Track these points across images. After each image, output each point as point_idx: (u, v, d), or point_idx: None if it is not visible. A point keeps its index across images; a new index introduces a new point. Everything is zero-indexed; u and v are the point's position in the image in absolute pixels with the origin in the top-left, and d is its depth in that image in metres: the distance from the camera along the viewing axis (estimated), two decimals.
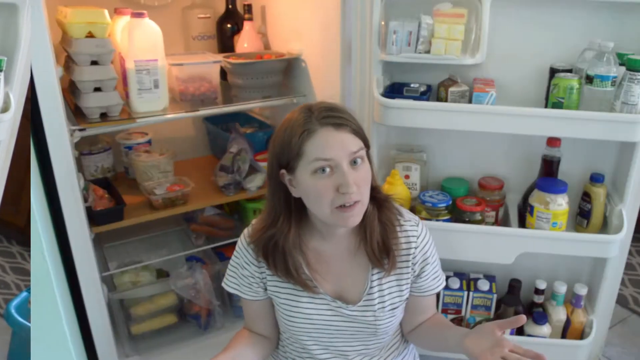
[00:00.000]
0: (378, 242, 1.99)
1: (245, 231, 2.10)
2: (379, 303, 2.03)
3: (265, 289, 2.10)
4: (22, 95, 2.20)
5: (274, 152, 1.92)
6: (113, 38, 2.82)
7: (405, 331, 2.29)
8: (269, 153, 1.95)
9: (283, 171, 1.89)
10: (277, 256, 1.98)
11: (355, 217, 1.86)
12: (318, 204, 1.86)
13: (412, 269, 2.06)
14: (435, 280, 2.15)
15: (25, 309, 2.99)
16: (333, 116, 1.81)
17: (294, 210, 1.96)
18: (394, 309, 2.07)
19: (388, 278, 2.05)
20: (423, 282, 2.11)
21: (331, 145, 1.79)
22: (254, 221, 2.11)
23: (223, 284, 2.19)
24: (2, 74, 2.06)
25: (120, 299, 3.15)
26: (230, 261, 2.15)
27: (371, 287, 2.03)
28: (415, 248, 2.05)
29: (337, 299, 2.04)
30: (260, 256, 2.02)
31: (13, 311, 2.92)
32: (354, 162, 1.82)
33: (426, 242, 2.09)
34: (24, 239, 4.69)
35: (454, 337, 2.03)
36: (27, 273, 4.41)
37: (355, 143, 1.81)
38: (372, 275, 2.03)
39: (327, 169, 1.80)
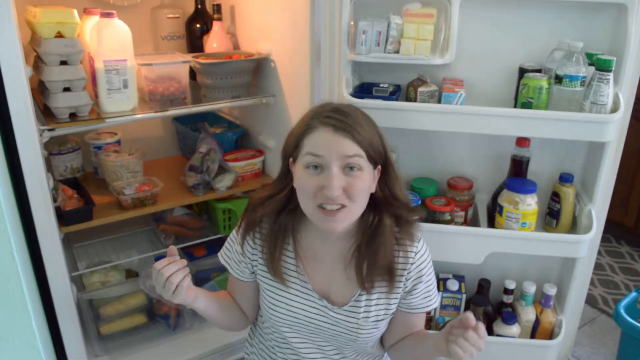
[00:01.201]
0: (373, 256, 1.98)
1: None
2: (364, 312, 2.03)
3: (253, 272, 2.13)
4: None
5: (285, 141, 1.97)
6: (82, 38, 2.80)
7: (387, 345, 2.28)
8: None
9: (290, 159, 1.94)
10: (270, 240, 2.03)
11: (338, 222, 1.87)
12: (304, 198, 1.90)
13: (405, 284, 2.05)
14: (425, 300, 2.13)
15: None
16: (336, 118, 1.82)
17: (292, 200, 2.00)
18: (378, 321, 2.07)
19: (379, 290, 2.04)
20: (413, 299, 2.09)
21: (325, 144, 1.81)
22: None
23: (218, 254, 2.24)
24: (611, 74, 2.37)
25: (90, 299, 3.13)
26: (231, 234, 2.20)
27: (360, 295, 2.03)
28: (412, 264, 2.04)
29: (324, 298, 2.04)
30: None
31: None
32: (349, 168, 1.83)
33: (424, 260, 2.07)
34: None
35: (431, 339, 2.04)
36: None
37: (351, 148, 1.82)
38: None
39: (318, 167, 1.83)
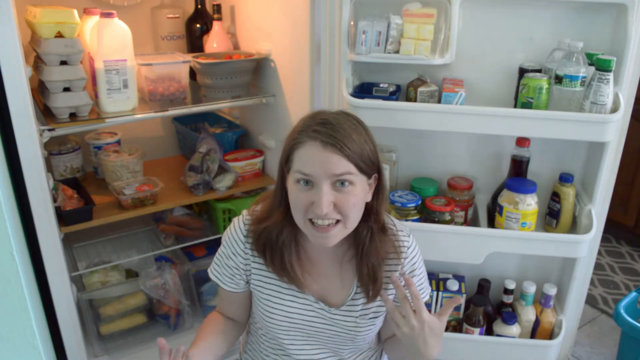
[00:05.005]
0: (368, 267, 1.97)
1: (238, 220, 2.08)
2: (361, 310, 2.03)
3: (247, 282, 2.09)
4: None
5: (282, 147, 1.90)
6: (82, 38, 2.79)
7: (382, 339, 2.28)
8: None
9: (285, 169, 1.88)
10: (274, 251, 1.97)
11: (331, 239, 1.85)
12: (295, 212, 1.86)
13: (400, 279, 2.04)
14: (420, 292, 2.10)
15: None
16: (325, 133, 1.76)
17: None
18: (375, 317, 2.07)
19: None
20: (407, 294, 2.09)
21: (312, 162, 1.77)
22: (246, 211, 2.09)
23: (208, 271, 2.16)
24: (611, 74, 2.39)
25: (90, 299, 3.12)
26: (219, 250, 2.13)
27: (356, 293, 2.02)
28: (405, 259, 2.04)
29: (320, 300, 2.03)
30: (258, 249, 2.00)
31: None
32: (340, 183, 1.78)
33: (415, 253, 2.08)
34: None
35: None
36: None
37: (341, 165, 1.76)
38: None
39: (309, 183, 1.79)
